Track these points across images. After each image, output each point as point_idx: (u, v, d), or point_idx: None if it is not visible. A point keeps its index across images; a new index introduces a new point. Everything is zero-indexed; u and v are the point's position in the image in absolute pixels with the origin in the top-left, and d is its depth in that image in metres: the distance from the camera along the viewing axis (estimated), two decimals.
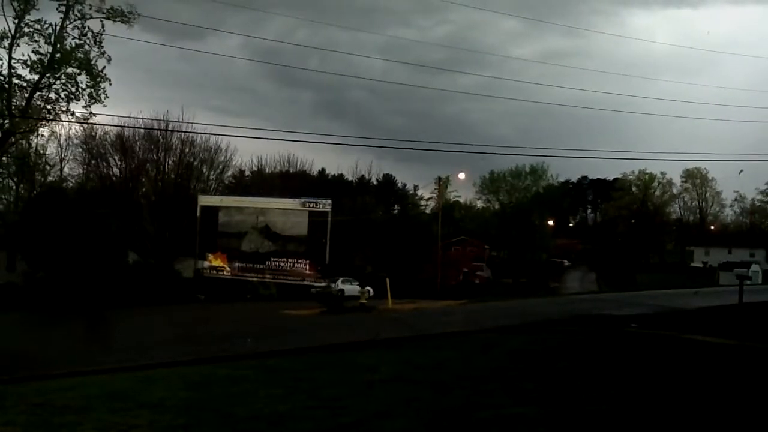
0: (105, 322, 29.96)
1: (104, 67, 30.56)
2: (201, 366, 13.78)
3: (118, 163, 54.32)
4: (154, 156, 53.86)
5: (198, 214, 46.87)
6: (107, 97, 30.44)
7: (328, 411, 8.32)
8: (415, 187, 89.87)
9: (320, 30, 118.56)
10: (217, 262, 46.61)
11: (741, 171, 71.87)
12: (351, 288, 39.69)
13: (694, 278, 63.66)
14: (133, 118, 48.50)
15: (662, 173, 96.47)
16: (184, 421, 7.89)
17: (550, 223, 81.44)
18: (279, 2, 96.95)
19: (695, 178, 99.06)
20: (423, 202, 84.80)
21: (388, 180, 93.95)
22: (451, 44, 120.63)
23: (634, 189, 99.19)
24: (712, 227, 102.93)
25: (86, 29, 30.25)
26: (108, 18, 29.64)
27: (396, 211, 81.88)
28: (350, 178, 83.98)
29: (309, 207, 45.40)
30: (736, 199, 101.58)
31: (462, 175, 64.17)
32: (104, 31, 30.02)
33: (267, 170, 69.87)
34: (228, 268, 46.32)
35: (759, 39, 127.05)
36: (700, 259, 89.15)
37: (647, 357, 13.81)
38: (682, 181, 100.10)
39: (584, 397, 9.22)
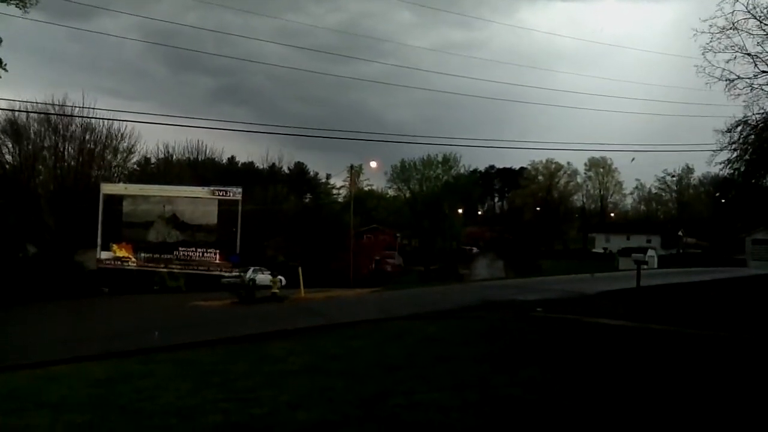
0: None
1: None
2: (106, 361, 13.30)
3: (11, 150, 51.26)
4: (52, 142, 51.09)
5: (101, 203, 45.00)
6: None
7: (239, 403, 8.23)
8: (328, 176, 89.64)
9: (210, 13, 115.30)
10: (121, 253, 44.85)
11: (633, 159, 75.58)
12: (263, 278, 39.21)
13: (595, 264, 66.47)
14: (28, 102, 45.71)
15: (568, 163, 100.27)
16: (88, 419, 7.60)
17: (460, 211, 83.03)
18: None
19: (599, 167, 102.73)
20: (335, 191, 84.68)
21: (299, 168, 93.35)
22: (345, 32, 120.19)
23: (540, 178, 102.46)
24: (613, 215, 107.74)
25: None
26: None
27: (308, 200, 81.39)
28: (261, 166, 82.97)
29: (219, 195, 44.37)
30: (636, 187, 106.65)
31: (374, 164, 64.01)
32: None
33: (174, 158, 67.79)
34: (134, 259, 44.71)
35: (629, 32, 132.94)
36: (601, 245, 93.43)
37: (554, 340, 14.38)
38: (586, 170, 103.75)
39: (495, 381, 9.49)
